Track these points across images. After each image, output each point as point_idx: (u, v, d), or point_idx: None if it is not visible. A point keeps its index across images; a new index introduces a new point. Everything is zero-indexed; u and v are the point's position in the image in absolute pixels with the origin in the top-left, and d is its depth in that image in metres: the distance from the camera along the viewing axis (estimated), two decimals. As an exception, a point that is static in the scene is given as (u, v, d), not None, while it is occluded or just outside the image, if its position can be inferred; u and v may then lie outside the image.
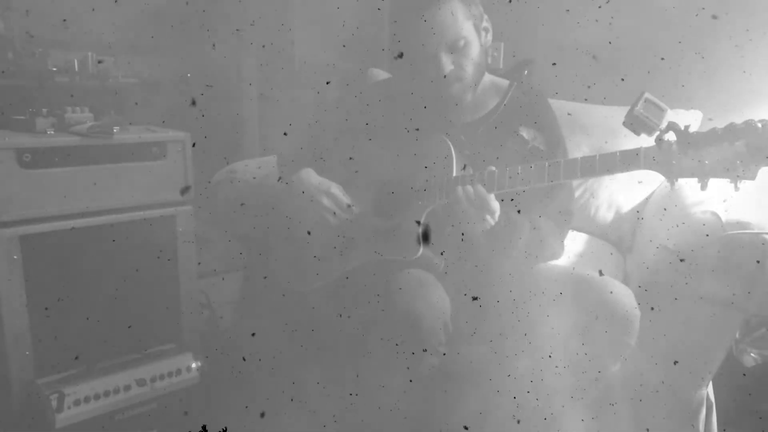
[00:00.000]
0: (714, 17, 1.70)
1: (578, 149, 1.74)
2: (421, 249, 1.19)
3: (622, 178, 1.66)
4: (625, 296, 1.14)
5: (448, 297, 1.17)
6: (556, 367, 1.13)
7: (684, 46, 1.79)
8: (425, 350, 1.12)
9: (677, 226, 1.30)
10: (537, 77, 1.36)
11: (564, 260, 1.34)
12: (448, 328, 1.15)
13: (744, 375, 1.55)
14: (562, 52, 1.94)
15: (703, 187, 0.94)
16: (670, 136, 0.96)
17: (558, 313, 1.14)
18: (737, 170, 0.90)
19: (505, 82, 1.37)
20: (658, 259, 1.30)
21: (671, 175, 0.97)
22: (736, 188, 0.92)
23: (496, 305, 1.20)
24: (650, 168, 0.98)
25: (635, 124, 1.00)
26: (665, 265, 1.28)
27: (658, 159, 0.97)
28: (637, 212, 1.69)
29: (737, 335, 1.54)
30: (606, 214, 1.73)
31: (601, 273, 1.19)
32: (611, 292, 1.14)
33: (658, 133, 0.97)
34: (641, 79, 1.85)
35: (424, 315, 1.10)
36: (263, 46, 2.88)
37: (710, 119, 1.73)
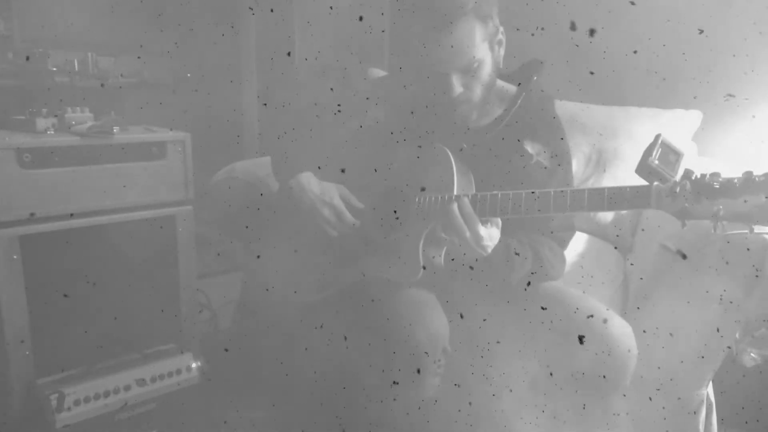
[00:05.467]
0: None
1: (578, 149, 1.75)
2: (421, 273, 1.14)
3: (622, 176, 1.67)
4: (624, 335, 1.11)
5: (446, 319, 1.14)
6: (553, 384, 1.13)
7: (684, 46, 1.79)
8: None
9: (677, 225, 1.30)
10: (543, 78, 1.30)
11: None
12: (447, 351, 1.12)
13: (744, 375, 1.55)
14: (562, 50, 1.94)
15: (715, 229, 0.90)
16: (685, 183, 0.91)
17: (553, 345, 1.12)
18: (753, 218, 0.86)
19: (512, 88, 1.30)
20: (658, 259, 1.30)
21: (683, 217, 0.92)
22: (751, 231, 0.89)
23: (493, 325, 1.18)
24: (661, 209, 0.93)
25: (649, 174, 0.94)
26: (665, 265, 1.28)
27: (671, 201, 0.92)
28: (638, 212, 1.69)
29: (737, 335, 1.54)
30: (606, 214, 1.73)
31: (603, 305, 1.16)
32: (611, 332, 1.10)
33: (672, 183, 0.92)
34: (642, 78, 1.85)
35: (423, 343, 1.07)
36: (263, 45, 2.88)
37: (709, 116, 1.73)
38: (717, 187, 0.88)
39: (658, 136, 0.95)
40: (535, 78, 1.27)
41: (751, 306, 1.25)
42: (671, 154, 0.94)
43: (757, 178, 0.85)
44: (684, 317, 1.28)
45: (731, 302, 1.24)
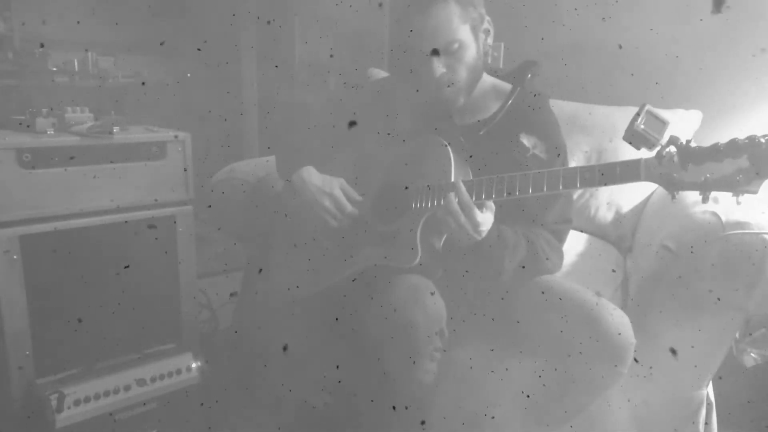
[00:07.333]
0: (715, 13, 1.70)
1: (578, 149, 1.75)
2: (419, 257, 1.16)
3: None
4: (621, 325, 1.11)
5: (443, 302, 1.15)
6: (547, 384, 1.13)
7: (684, 46, 1.79)
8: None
9: (677, 226, 1.30)
10: (538, 77, 1.33)
11: (564, 259, 1.32)
12: (443, 333, 1.13)
13: (744, 375, 1.55)
14: (562, 51, 1.94)
15: (705, 200, 0.92)
16: (671, 149, 0.95)
17: (551, 336, 1.12)
18: (740, 184, 0.88)
19: (507, 86, 1.33)
20: (658, 259, 1.30)
21: (672, 188, 0.94)
22: (738, 202, 0.90)
23: (491, 315, 1.19)
24: (650, 180, 0.96)
25: (636, 139, 0.97)
26: (665, 265, 1.28)
27: (659, 172, 0.95)
28: (637, 212, 1.69)
29: (737, 335, 1.54)
30: (606, 214, 1.73)
31: (599, 294, 1.16)
32: (608, 321, 1.10)
33: (659, 148, 0.95)
34: (642, 78, 1.85)
35: (420, 324, 1.09)
36: (264, 45, 2.88)
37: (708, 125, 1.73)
38: (702, 149, 0.91)
39: (643, 105, 0.98)
40: (530, 76, 1.30)
41: (751, 306, 1.25)
42: (657, 122, 0.97)
43: (740, 141, 0.88)
44: (684, 317, 1.28)
45: (731, 302, 1.24)
